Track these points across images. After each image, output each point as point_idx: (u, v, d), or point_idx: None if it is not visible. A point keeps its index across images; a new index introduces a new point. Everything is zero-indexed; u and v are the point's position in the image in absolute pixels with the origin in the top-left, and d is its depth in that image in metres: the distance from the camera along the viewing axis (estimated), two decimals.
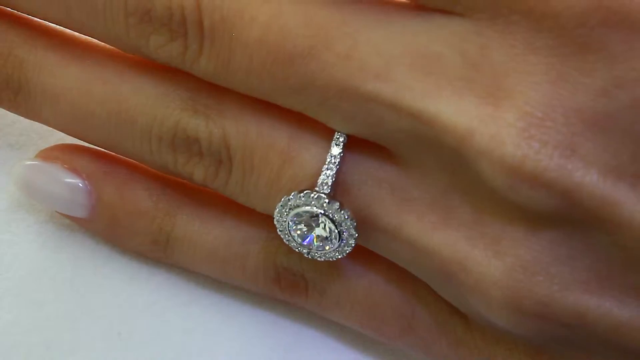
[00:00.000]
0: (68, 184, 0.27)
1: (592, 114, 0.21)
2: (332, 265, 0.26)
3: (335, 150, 0.24)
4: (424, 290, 0.26)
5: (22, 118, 0.28)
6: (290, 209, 0.24)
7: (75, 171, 0.27)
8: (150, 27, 0.24)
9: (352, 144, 0.24)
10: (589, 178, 0.21)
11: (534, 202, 0.22)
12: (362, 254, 0.26)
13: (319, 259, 0.25)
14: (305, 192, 0.24)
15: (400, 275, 0.26)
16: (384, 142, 0.24)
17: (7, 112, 0.28)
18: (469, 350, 0.26)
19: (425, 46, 0.22)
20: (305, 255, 0.25)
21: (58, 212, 0.29)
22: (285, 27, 0.23)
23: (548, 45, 0.21)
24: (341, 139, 0.24)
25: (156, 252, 0.28)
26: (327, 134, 0.24)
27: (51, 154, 0.28)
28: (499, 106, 0.22)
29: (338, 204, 0.24)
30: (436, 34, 0.22)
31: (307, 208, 0.24)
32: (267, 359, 0.29)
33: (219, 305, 0.29)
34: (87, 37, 0.26)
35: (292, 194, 0.24)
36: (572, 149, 0.21)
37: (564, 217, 0.22)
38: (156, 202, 0.27)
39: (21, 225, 0.29)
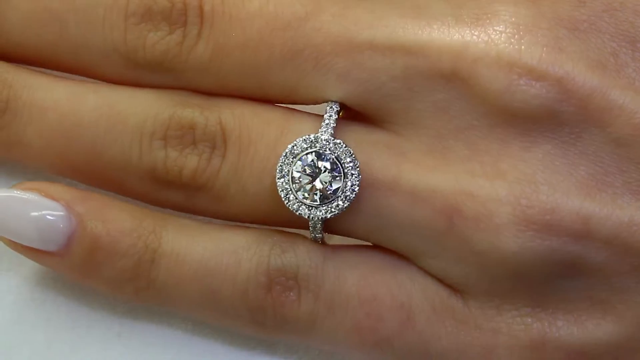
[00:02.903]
0: (45, 212, 0.26)
1: (572, 20, 0.25)
2: (327, 258, 0.26)
3: (330, 114, 0.25)
4: (418, 274, 0.26)
5: None
6: (294, 156, 0.25)
7: (52, 198, 0.26)
8: (149, 24, 0.25)
9: (344, 117, 0.26)
10: (578, 68, 0.24)
11: (530, 100, 0.24)
12: (354, 247, 0.27)
13: (325, 213, 0.25)
14: (307, 136, 0.25)
15: (394, 262, 0.26)
16: (375, 104, 0.25)
17: None
18: (469, 335, 0.25)
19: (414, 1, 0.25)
20: (311, 210, 0.25)
21: (27, 255, 0.27)
22: (286, 7, 0.25)
23: None
24: (334, 106, 0.25)
25: (138, 278, 0.26)
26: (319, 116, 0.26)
27: (26, 186, 0.26)
28: (488, 26, 0.24)
29: (340, 140, 0.25)
30: None
31: (312, 149, 0.25)
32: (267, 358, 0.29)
33: None
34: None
35: (297, 140, 0.25)
36: (559, 47, 0.24)
37: (557, 116, 0.24)
38: (141, 220, 0.26)
39: None
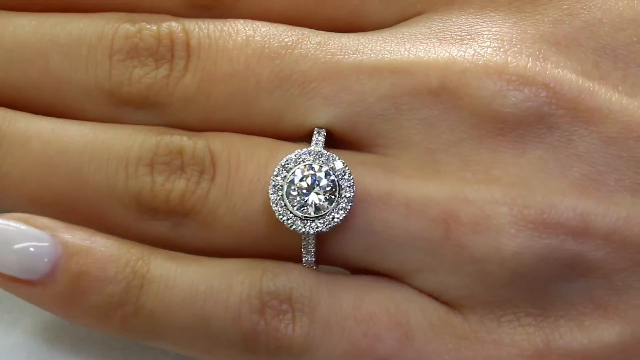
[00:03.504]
0: (29, 244, 0.25)
1: (553, 36, 0.25)
2: (320, 281, 0.25)
3: (318, 137, 0.25)
4: (414, 294, 0.26)
5: None
6: (287, 170, 0.25)
7: (36, 226, 0.25)
8: (135, 61, 0.26)
9: (330, 142, 0.26)
10: (563, 74, 0.25)
11: (519, 104, 0.24)
12: (346, 267, 0.26)
13: (320, 227, 0.25)
14: (300, 150, 0.25)
15: (389, 283, 0.26)
16: (363, 125, 0.25)
17: None
18: (471, 349, 0.25)
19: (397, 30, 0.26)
20: (305, 224, 0.25)
21: (6, 287, 0.25)
22: (269, 32, 0.26)
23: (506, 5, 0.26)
24: (322, 132, 0.26)
25: (126, 304, 0.25)
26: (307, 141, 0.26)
27: (9, 216, 0.26)
28: (472, 42, 0.25)
29: (333, 154, 0.25)
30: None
31: (306, 162, 0.25)
32: None
33: None
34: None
35: (289, 154, 0.25)
36: (543, 58, 0.25)
37: (547, 120, 0.24)
38: (128, 248, 0.26)
39: None
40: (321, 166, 0.25)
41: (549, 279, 0.25)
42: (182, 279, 0.25)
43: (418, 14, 0.27)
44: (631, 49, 0.25)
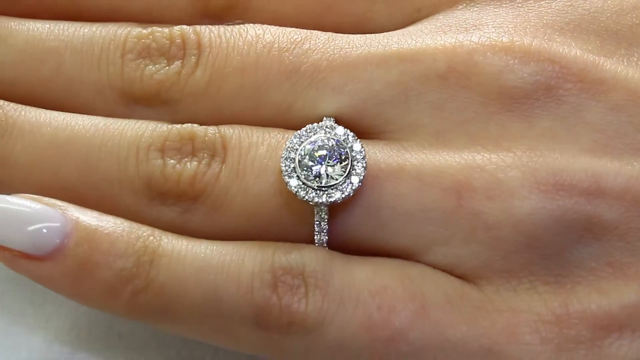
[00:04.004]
0: (41, 225, 0.25)
1: (557, 23, 0.26)
2: (333, 257, 0.25)
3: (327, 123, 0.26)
4: (428, 269, 0.25)
5: None
6: (300, 142, 0.25)
7: (48, 205, 0.25)
8: (147, 60, 0.26)
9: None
10: (569, 50, 0.25)
11: (526, 77, 0.25)
12: (358, 250, 0.26)
13: (334, 196, 0.24)
14: (312, 125, 0.25)
15: (402, 261, 0.25)
16: (371, 113, 0.25)
17: None
18: (488, 318, 0.24)
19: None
20: (318, 194, 0.24)
21: (15, 265, 0.25)
22: (278, 31, 0.26)
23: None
24: (331, 119, 0.26)
25: (137, 278, 0.25)
26: None
27: (20, 196, 0.25)
28: (478, 30, 0.26)
29: (343, 127, 0.25)
30: None
31: (318, 134, 0.25)
32: None
33: None
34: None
35: (301, 129, 0.25)
36: (548, 39, 0.25)
37: (554, 93, 0.25)
38: (139, 226, 0.25)
39: None
40: (333, 138, 0.25)
41: (564, 243, 0.24)
42: (194, 253, 0.25)
43: (423, 19, 0.27)
44: (634, 30, 0.26)
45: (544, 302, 0.24)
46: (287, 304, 0.24)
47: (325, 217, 0.25)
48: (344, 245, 0.25)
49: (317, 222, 0.25)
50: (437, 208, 0.25)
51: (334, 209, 0.25)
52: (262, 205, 0.25)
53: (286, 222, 0.25)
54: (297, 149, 0.25)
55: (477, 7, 0.27)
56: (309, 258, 0.25)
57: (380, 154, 0.25)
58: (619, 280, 0.24)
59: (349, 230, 0.25)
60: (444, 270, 0.25)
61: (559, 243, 0.24)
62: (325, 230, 0.25)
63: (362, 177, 0.25)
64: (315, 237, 0.25)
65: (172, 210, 0.26)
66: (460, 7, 0.27)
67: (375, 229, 0.25)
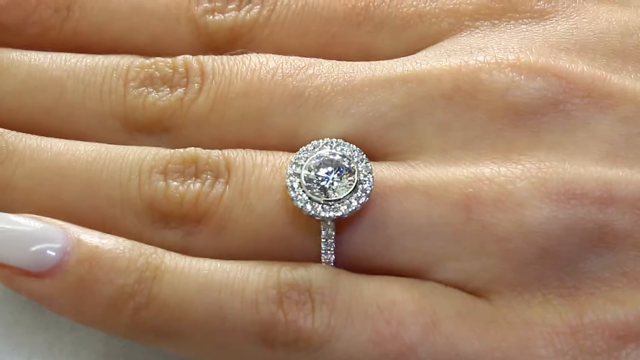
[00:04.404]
0: (45, 245, 0.24)
1: (561, 44, 0.26)
2: (340, 273, 0.25)
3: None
4: (438, 286, 0.25)
5: None
6: (305, 158, 0.25)
7: (47, 221, 0.25)
8: (149, 88, 0.26)
9: None
10: (575, 66, 0.25)
11: (533, 93, 0.25)
12: (366, 269, 0.26)
13: (339, 210, 0.24)
14: (317, 141, 0.25)
15: (411, 279, 0.25)
16: (376, 134, 0.25)
17: None
18: (501, 332, 0.24)
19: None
20: (325, 208, 0.24)
21: (13, 283, 0.25)
22: (282, 58, 0.26)
23: (513, 25, 0.27)
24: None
25: (139, 294, 0.24)
26: None
27: (22, 216, 0.25)
28: (482, 52, 0.26)
29: (354, 145, 0.25)
30: None
31: (329, 152, 0.25)
32: None
33: None
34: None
35: (307, 144, 0.25)
36: (554, 57, 0.25)
37: (562, 108, 0.25)
38: (141, 245, 0.25)
39: None
40: (338, 153, 0.25)
41: (576, 253, 0.24)
42: (197, 270, 0.24)
43: (427, 47, 0.27)
44: None
45: (558, 314, 0.24)
46: (293, 320, 0.24)
47: (332, 233, 0.25)
48: (352, 264, 0.25)
49: (324, 239, 0.25)
50: (446, 223, 0.24)
51: (340, 226, 0.25)
52: (267, 225, 0.25)
53: (292, 241, 0.25)
54: (302, 165, 0.25)
55: (480, 33, 0.27)
56: (316, 275, 0.25)
57: (387, 171, 0.25)
58: (634, 290, 0.24)
59: (356, 249, 0.25)
60: (455, 287, 0.25)
61: (572, 254, 0.24)
62: (332, 248, 0.25)
63: (368, 192, 0.25)
64: (322, 255, 0.25)
65: (175, 233, 0.25)
66: (465, 34, 0.27)
67: (383, 246, 0.25)
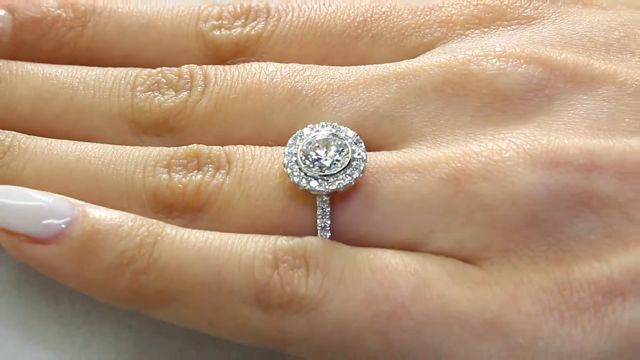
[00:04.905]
0: (51, 203, 0.26)
1: (548, 42, 0.28)
2: (335, 243, 0.26)
3: None
4: (431, 255, 0.26)
5: None
6: (302, 138, 0.26)
7: (56, 196, 0.26)
8: (156, 92, 0.28)
9: None
10: (558, 55, 0.27)
11: (519, 79, 0.26)
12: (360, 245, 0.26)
13: (333, 184, 0.25)
14: (313, 125, 0.27)
15: (404, 251, 0.26)
16: (370, 128, 0.27)
17: None
18: (491, 291, 0.25)
19: None
20: (320, 183, 0.25)
21: (16, 249, 0.26)
22: (280, 64, 0.28)
23: (501, 31, 0.29)
24: None
25: (139, 259, 0.25)
26: None
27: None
28: (471, 49, 0.27)
29: (347, 127, 0.27)
30: None
31: (325, 133, 0.26)
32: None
33: None
34: None
35: (308, 126, 0.27)
36: (538, 49, 0.27)
37: (547, 92, 0.26)
38: (143, 217, 0.26)
39: None
40: (333, 133, 0.26)
41: (563, 218, 0.25)
42: (196, 237, 0.26)
43: (421, 54, 0.29)
44: (623, 41, 0.28)
45: (545, 274, 0.25)
46: (288, 282, 0.25)
47: (328, 209, 0.26)
48: (347, 240, 0.26)
49: (320, 215, 0.26)
50: (436, 196, 0.25)
51: (335, 203, 0.26)
52: (266, 208, 0.26)
53: (290, 223, 0.26)
54: (299, 145, 0.26)
55: (471, 39, 0.29)
56: (311, 243, 0.26)
57: (380, 156, 0.27)
58: (618, 248, 0.25)
59: (350, 225, 0.26)
60: (446, 256, 0.26)
61: (558, 219, 0.25)
62: (328, 223, 0.26)
63: (361, 168, 0.26)
64: (319, 231, 0.26)
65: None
66: (456, 40, 0.29)
67: (376, 222, 0.26)
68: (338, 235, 0.26)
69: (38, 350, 0.29)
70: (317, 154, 0.26)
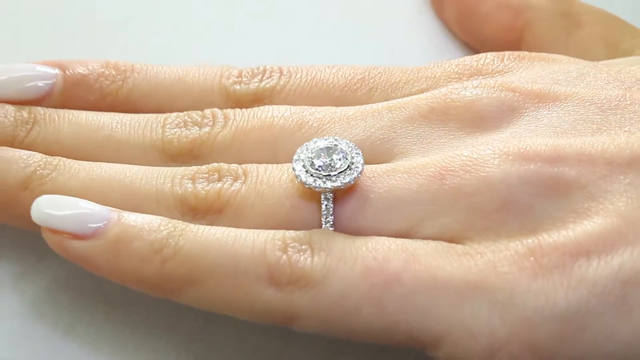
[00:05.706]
0: (96, 211, 0.30)
1: (517, 81, 0.33)
2: (337, 233, 0.30)
3: None
4: (420, 239, 0.29)
5: None
6: (308, 149, 0.30)
7: (100, 206, 0.30)
8: (183, 128, 0.33)
9: None
10: (525, 83, 0.32)
11: (493, 104, 0.31)
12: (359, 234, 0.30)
13: (335, 181, 0.29)
14: (317, 139, 0.31)
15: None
16: (366, 153, 0.31)
17: None
18: (472, 259, 0.28)
19: None
20: (324, 181, 0.29)
21: (62, 246, 0.30)
22: (290, 106, 0.33)
23: (478, 81, 0.33)
24: None
25: (166, 247, 0.29)
26: None
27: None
28: (450, 86, 0.33)
29: (350, 141, 0.31)
30: None
31: (327, 144, 0.31)
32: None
33: None
34: None
35: (312, 140, 0.31)
36: (509, 81, 0.32)
37: (517, 111, 0.31)
38: (169, 219, 0.30)
39: None
40: (335, 142, 0.31)
41: (534, 201, 0.29)
42: (215, 230, 0.30)
43: None
44: (579, 77, 0.33)
45: (520, 242, 0.28)
46: (296, 261, 0.28)
47: (331, 205, 0.30)
48: (347, 234, 0.30)
49: (324, 211, 0.30)
50: (424, 190, 0.29)
51: (337, 202, 0.30)
52: (277, 207, 0.30)
53: (297, 219, 0.30)
54: (305, 152, 0.30)
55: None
56: (316, 233, 0.29)
57: (374, 166, 0.31)
58: (582, 219, 0.28)
59: (350, 221, 0.30)
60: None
61: (530, 201, 0.29)
62: (331, 218, 0.30)
63: (360, 170, 0.30)
64: (323, 225, 0.30)
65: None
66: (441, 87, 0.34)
67: (372, 216, 0.30)
68: (339, 230, 0.30)
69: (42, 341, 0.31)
70: (320, 160, 0.30)
